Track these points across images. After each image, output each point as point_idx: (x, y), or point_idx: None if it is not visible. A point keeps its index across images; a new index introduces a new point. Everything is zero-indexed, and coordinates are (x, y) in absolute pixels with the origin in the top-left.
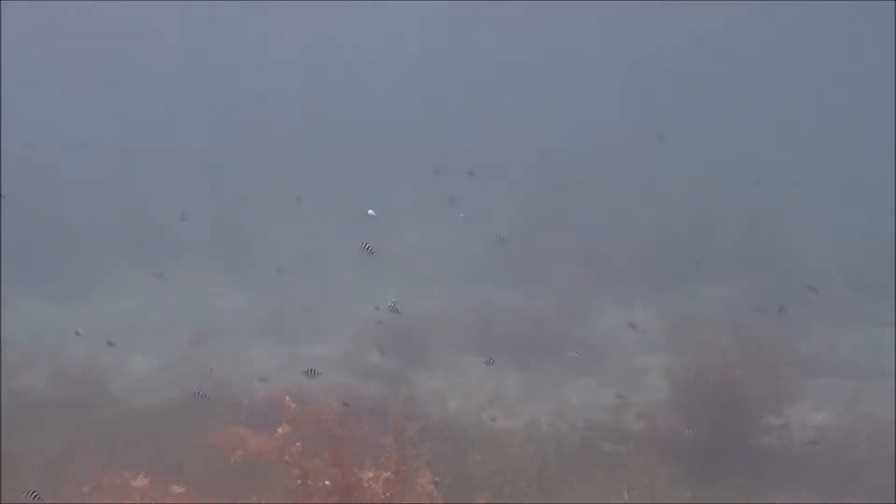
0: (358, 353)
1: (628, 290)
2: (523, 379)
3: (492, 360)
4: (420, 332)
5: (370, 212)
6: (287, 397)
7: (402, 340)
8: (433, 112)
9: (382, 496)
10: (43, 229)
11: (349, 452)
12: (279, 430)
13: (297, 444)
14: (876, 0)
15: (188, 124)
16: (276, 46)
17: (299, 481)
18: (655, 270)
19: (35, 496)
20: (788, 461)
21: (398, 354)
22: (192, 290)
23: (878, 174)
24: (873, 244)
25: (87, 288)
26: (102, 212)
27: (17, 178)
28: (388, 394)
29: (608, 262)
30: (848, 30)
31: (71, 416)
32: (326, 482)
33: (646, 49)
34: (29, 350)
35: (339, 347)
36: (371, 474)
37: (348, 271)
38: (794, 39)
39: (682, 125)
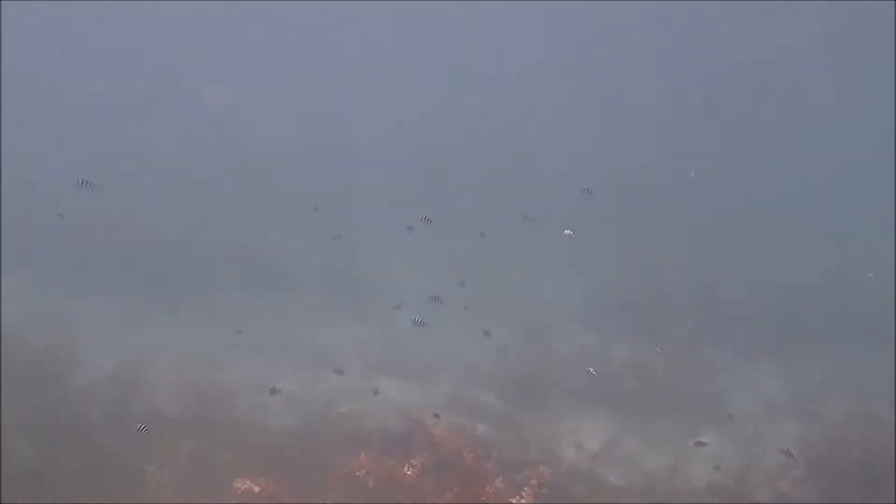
0: (466, 392)
1: (753, 345)
2: (637, 433)
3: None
4: (531, 376)
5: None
6: (425, 422)
7: (512, 384)
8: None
9: None
10: (168, 257)
11: (476, 487)
12: (414, 458)
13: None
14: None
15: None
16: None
17: None
18: (784, 324)
19: (145, 429)
20: None
21: (508, 397)
22: (307, 322)
23: None
24: None
25: (206, 313)
26: (220, 242)
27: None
28: (499, 438)
29: (730, 313)
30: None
31: (196, 434)
32: None
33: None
34: (155, 369)
35: (446, 385)
36: None
37: (457, 310)
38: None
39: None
